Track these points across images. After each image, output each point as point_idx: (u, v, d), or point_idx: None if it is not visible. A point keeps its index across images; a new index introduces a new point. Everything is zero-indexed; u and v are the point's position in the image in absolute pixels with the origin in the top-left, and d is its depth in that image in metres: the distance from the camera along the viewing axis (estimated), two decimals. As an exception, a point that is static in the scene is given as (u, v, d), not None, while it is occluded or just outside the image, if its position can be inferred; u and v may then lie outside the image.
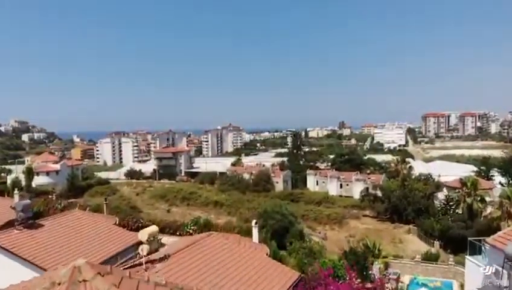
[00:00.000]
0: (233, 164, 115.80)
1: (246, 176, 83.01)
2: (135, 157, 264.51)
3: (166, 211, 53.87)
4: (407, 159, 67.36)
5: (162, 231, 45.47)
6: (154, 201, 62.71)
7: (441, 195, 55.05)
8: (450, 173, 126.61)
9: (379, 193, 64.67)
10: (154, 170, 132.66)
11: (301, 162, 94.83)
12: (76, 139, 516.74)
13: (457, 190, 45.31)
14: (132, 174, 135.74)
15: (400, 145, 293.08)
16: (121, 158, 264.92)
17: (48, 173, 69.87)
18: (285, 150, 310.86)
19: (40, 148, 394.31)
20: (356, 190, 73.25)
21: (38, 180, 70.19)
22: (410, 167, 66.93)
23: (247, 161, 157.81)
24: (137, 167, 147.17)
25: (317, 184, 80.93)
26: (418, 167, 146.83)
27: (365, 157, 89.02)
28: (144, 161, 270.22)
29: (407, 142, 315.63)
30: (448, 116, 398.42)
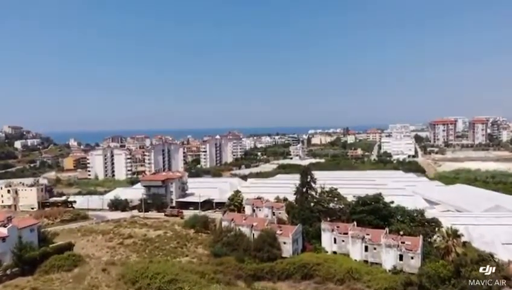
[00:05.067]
0: (230, 199, 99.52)
1: (246, 231, 66.93)
2: (128, 170, 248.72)
3: (132, 321, 37.83)
4: (459, 231, 50.86)
5: None
6: (123, 286, 46.99)
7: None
8: (477, 204, 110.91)
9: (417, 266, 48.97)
10: (140, 200, 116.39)
11: (312, 204, 78.56)
12: (74, 143, 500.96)
13: None
14: (117, 204, 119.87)
15: (409, 156, 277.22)
16: (113, 171, 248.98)
17: (-9, 241, 54.05)
18: (287, 161, 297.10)
19: (32, 155, 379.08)
20: (387, 258, 57.31)
21: (-20, 250, 54.36)
22: (465, 243, 50.56)
23: (246, 185, 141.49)
24: (124, 193, 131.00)
25: (335, 242, 64.97)
26: (436, 193, 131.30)
27: (392, 204, 72.55)
28: (139, 173, 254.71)
29: (416, 152, 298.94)
30: (455, 122, 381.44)
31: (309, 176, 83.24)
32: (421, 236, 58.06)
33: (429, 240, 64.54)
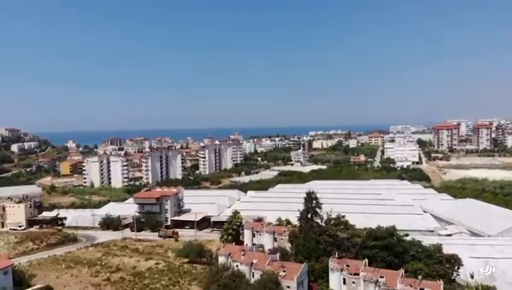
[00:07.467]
0: (228, 222, 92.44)
1: (245, 269, 60.25)
2: (125, 177, 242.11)
3: None
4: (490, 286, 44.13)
5: None
6: None
7: None
8: (491, 225, 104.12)
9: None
10: (133, 218, 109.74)
11: (317, 232, 71.68)
12: (72, 145, 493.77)
13: None
14: (109, 223, 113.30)
15: (413, 163, 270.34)
16: (109, 179, 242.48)
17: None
18: (288, 167, 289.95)
19: (29, 159, 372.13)
20: (404, 308, 50.50)
21: None
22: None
23: (246, 200, 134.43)
24: (117, 209, 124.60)
25: (344, 283, 58.26)
26: (446, 209, 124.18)
27: (407, 238, 65.89)
28: (136, 180, 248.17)
29: (420, 158, 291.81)
30: (459, 126, 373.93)
31: (314, 201, 76.25)
32: (442, 282, 51.31)
33: (449, 278, 58.17)
